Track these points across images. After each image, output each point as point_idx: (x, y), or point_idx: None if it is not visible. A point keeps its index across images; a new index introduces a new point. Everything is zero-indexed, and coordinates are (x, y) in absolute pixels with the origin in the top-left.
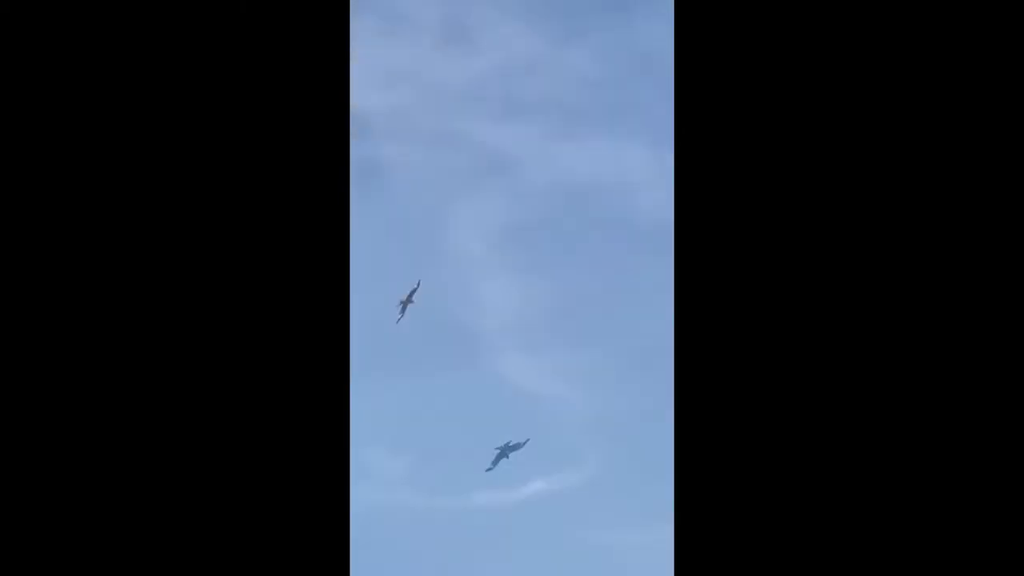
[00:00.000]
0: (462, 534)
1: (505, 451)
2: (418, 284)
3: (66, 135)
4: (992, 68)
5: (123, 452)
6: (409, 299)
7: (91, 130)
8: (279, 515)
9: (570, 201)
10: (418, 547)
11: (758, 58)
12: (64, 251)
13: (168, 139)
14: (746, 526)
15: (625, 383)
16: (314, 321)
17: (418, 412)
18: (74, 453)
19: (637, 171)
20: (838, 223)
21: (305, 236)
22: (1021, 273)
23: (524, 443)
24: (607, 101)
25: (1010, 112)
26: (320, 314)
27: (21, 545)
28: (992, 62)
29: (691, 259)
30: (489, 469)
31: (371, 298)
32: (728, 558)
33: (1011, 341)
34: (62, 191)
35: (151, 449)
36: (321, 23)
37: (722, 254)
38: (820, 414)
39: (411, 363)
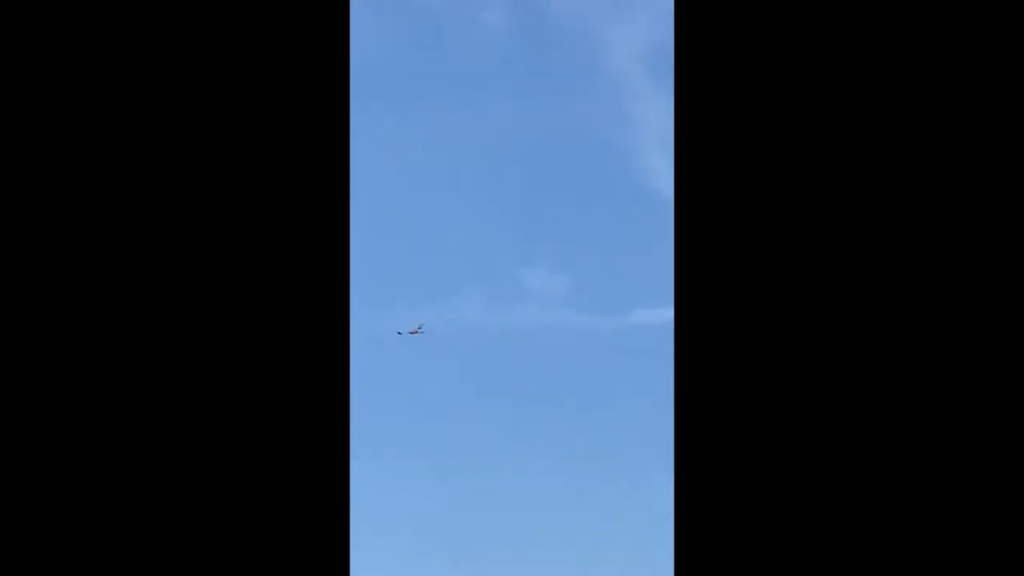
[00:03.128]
0: (622, 351)
1: (413, 331)
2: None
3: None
4: (992, 68)
5: (124, 427)
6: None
7: (90, 128)
8: (277, 510)
9: None
10: (580, 364)
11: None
12: (62, 250)
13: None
14: (748, 525)
15: None
16: (313, 316)
17: (577, 234)
18: (74, 452)
19: None
20: (839, 221)
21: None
22: (1021, 273)
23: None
24: None
25: (1010, 112)
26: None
27: (21, 545)
28: (992, 62)
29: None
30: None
31: (536, 113)
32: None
33: (1011, 340)
34: (60, 189)
35: (149, 428)
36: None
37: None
38: (820, 409)
39: (568, 187)
